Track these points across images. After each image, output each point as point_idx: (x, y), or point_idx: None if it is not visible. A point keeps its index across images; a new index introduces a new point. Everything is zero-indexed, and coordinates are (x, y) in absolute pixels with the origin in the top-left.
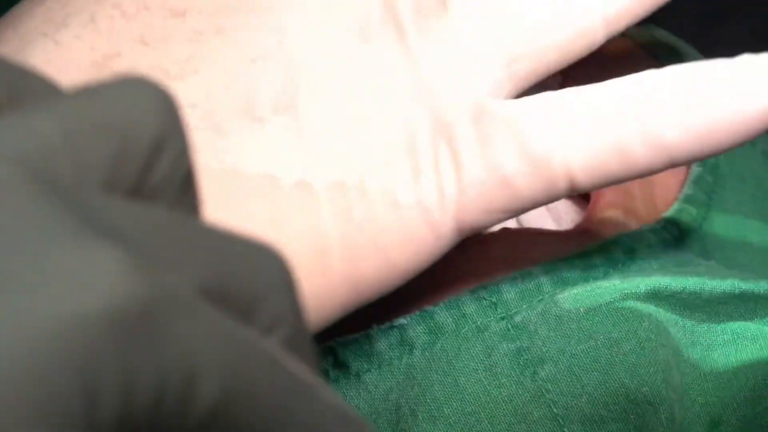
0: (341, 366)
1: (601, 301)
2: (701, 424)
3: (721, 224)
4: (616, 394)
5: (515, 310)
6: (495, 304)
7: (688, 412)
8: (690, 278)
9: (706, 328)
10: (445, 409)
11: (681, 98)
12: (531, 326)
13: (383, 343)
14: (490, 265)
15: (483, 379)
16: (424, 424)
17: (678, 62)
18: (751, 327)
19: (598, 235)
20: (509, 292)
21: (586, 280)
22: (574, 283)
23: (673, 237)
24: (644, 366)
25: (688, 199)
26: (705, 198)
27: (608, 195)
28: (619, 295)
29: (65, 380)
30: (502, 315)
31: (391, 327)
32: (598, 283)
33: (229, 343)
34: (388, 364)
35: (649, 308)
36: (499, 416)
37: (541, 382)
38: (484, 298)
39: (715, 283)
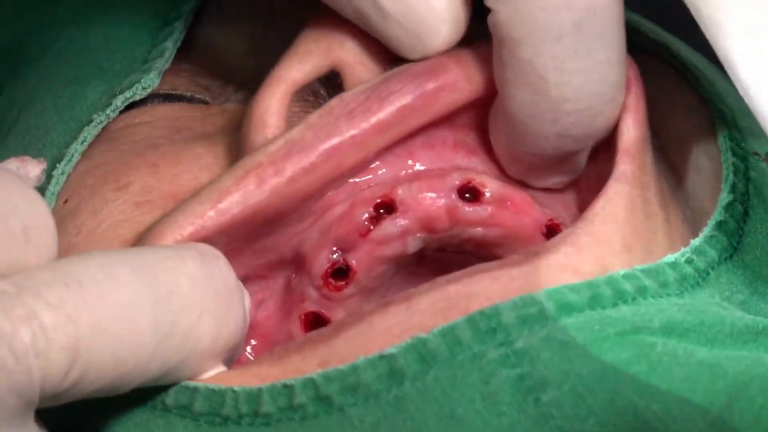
0: (322, 400)
1: (611, 331)
2: None
3: (753, 255)
4: (625, 413)
5: (515, 336)
6: (494, 329)
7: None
8: (708, 314)
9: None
10: None
11: None
12: (533, 351)
13: (370, 374)
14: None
15: (482, 409)
16: None
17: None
18: None
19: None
20: (509, 317)
21: (592, 308)
22: (581, 310)
23: (696, 272)
24: (655, 384)
25: (719, 227)
26: (735, 227)
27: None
28: (630, 327)
29: None
30: (501, 341)
31: (380, 357)
32: (607, 312)
33: None
34: (375, 397)
35: (665, 340)
36: None
37: (544, 407)
38: (480, 323)
39: (735, 318)
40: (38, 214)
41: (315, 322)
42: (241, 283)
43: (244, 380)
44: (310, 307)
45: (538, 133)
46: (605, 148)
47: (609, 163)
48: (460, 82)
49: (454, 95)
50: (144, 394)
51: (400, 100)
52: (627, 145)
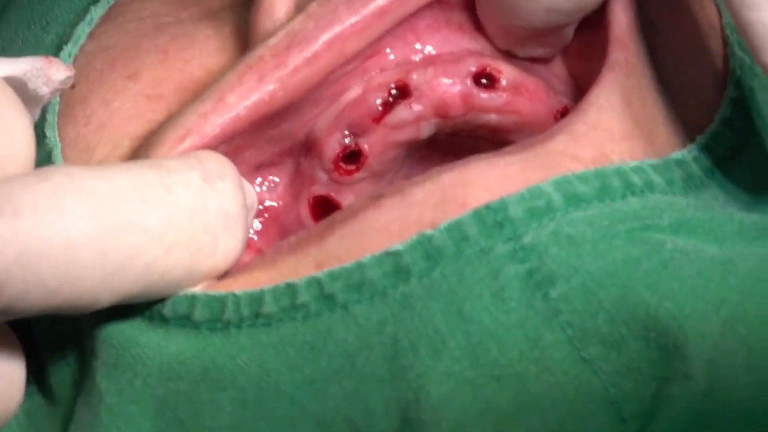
0: (326, 298)
1: (621, 228)
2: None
3: (758, 154)
4: (636, 310)
5: (523, 230)
6: (501, 223)
7: (723, 327)
8: (715, 210)
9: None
10: (449, 341)
11: None
12: (541, 246)
13: (376, 271)
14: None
15: (490, 305)
16: (427, 359)
17: None
18: None
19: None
20: (516, 211)
21: (601, 200)
22: (589, 201)
23: (702, 170)
24: (667, 281)
25: (726, 123)
26: (742, 124)
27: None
28: (640, 224)
29: None
30: (509, 235)
31: (385, 254)
32: (616, 206)
33: None
34: (382, 294)
35: (674, 237)
36: (509, 344)
37: (553, 302)
38: (488, 217)
39: (743, 215)
40: (13, 140)
41: (324, 205)
42: (249, 202)
43: (236, 287)
44: (320, 190)
45: (528, 8)
46: (593, 18)
47: (596, 29)
48: None
49: None
50: (140, 305)
51: None
52: (618, 32)
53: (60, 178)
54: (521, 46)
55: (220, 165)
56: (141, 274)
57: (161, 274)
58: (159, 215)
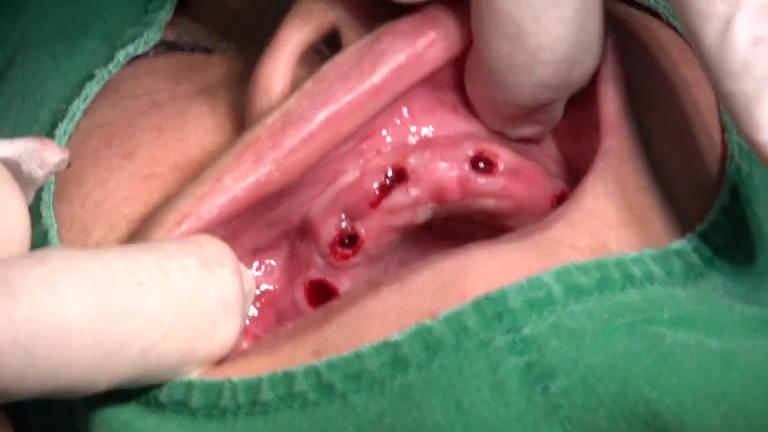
0: (324, 387)
1: (621, 321)
2: None
3: (756, 243)
4: (636, 405)
5: (523, 322)
6: (500, 314)
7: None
8: (715, 303)
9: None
10: None
11: None
12: (541, 339)
13: (374, 361)
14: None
15: (489, 399)
16: None
17: None
18: None
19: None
20: (516, 301)
21: (601, 292)
22: (589, 293)
23: (701, 260)
24: (667, 375)
25: (725, 212)
26: (741, 212)
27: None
28: (640, 317)
29: None
30: (509, 327)
31: (384, 344)
32: (616, 298)
33: None
34: (380, 385)
35: (674, 331)
36: None
37: (552, 396)
38: (487, 308)
39: (743, 308)
40: (8, 221)
41: (320, 289)
42: (247, 288)
43: (233, 374)
44: (316, 274)
45: (515, 84)
46: (582, 96)
47: (585, 109)
48: (448, 36)
49: (441, 51)
50: (136, 390)
51: (393, 60)
52: (610, 117)
53: (57, 262)
54: (511, 125)
55: (218, 251)
56: (138, 359)
57: (158, 360)
58: (156, 300)
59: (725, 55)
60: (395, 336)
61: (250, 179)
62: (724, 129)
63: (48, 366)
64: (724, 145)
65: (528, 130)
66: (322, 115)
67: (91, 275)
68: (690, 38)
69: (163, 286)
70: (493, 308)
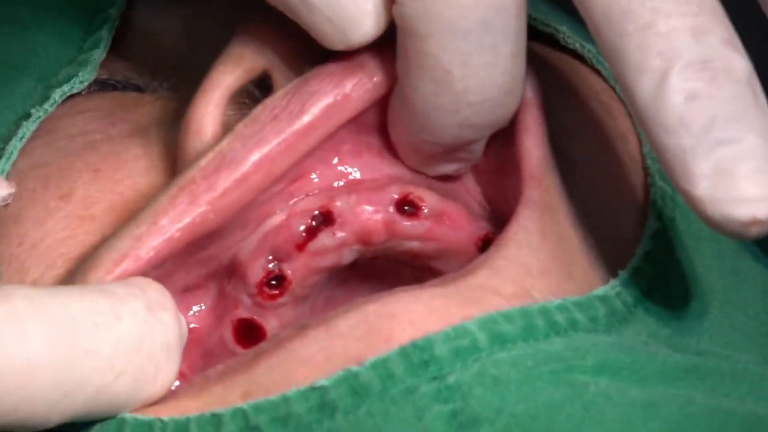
0: (252, 430)
1: (544, 369)
2: None
3: (679, 287)
4: None
5: (448, 370)
6: (426, 362)
7: None
8: (638, 351)
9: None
10: None
11: None
12: (465, 387)
13: (301, 405)
14: None
15: None
16: None
17: None
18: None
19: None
20: (441, 349)
21: (525, 340)
22: (513, 341)
23: (624, 306)
24: (589, 425)
25: (648, 257)
26: (664, 257)
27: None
28: (563, 365)
29: None
30: (434, 374)
31: (311, 388)
32: (539, 346)
33: None
34: (307, 429)
35: (597, 379)
36: None
37: None
38: (413, 355)
39: (666, 355)
40: None
41: (247, 328)
42: (183, 331)
43: (165, 413)
44: (243, 313)
45: (439, 124)
46: (504, 134)
47: (506, 146)
48: (374, 77)
49: (368, 92)
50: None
51: (322, 100)
52: (531, 169)
53: (19, 301)
54: (431, 163)
55: (161, 296)
56: (91, 399)
57: (109, 400)
58: (110, 343)
59: (661, 110)
60: (322, 380)
61: (186, 220)
62: (647, 174)
63: (9, 401)
64: (648, 190)
65: (448, 168)
66: (254, 157)
67: (53, 316)
68: (624, 91)
69: (116, 330)
70: (419, 356)
